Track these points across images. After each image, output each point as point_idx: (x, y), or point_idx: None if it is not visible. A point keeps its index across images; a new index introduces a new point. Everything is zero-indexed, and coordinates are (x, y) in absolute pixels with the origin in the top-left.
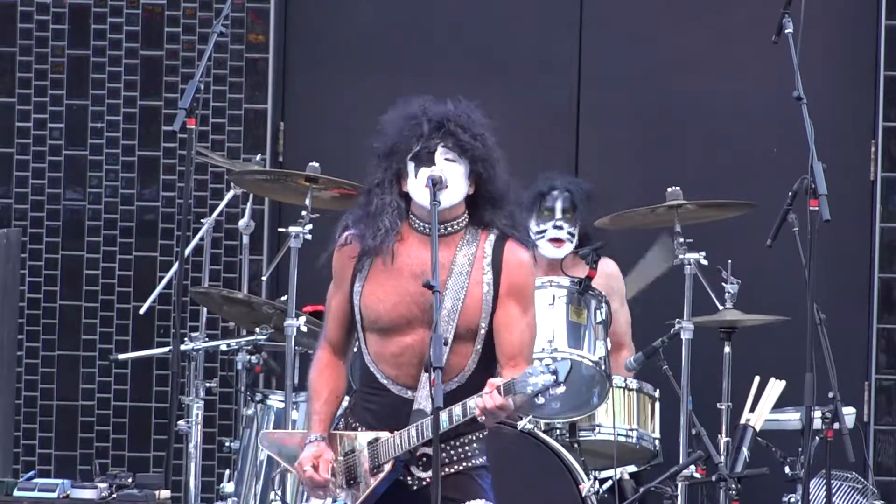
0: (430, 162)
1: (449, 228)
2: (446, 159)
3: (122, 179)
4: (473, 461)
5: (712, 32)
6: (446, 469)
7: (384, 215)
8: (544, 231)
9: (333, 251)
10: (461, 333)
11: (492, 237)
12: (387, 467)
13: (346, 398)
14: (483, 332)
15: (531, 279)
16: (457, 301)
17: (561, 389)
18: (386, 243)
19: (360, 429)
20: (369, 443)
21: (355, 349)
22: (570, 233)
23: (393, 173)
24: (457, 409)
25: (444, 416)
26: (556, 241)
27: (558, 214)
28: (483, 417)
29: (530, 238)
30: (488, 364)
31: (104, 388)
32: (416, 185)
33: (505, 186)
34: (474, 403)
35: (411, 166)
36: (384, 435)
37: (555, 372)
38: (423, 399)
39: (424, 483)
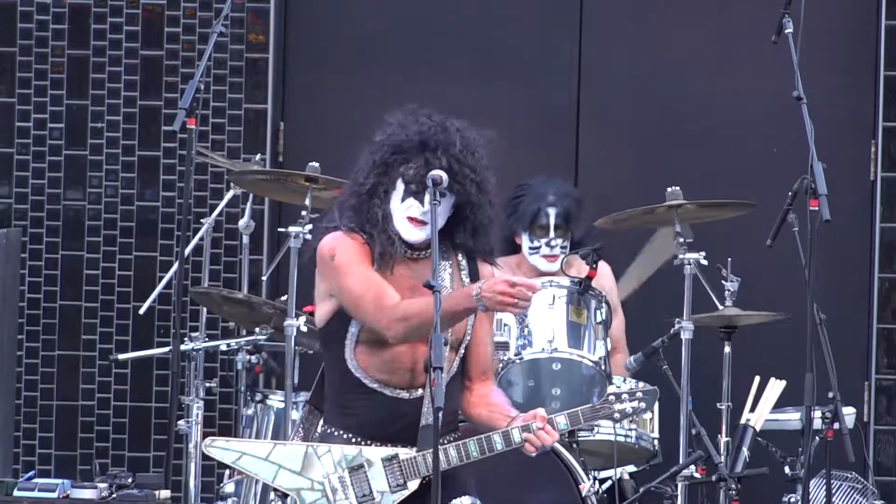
0: (420, 195)
1: (422, 255)
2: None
3: (122, 179)
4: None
5: (712, 32)
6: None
7: (389, 225)
8: (538, 248)
9: (329, 244)
10: (451, 343)
11: (461, 252)
12: (413, 485)
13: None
14: (468, 340)
15: None
16: None
17: (649, 415)
18: (398, 254)
19: (344, 436)
20: (385, 459)
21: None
22: (562, 247)
23: (383, 184)
24: (496, 438)
25: (474, 446)
26: (550, 257)
27: (552, 233)
28: (533, 452)
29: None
30: (461, 370)
31: (104, 388)
32: (399, 213)
33: (487, 220)
34: (520, 437)
35: (400, 186)
36: (403, 452)
37: (644, 399)
38: (430, 414)
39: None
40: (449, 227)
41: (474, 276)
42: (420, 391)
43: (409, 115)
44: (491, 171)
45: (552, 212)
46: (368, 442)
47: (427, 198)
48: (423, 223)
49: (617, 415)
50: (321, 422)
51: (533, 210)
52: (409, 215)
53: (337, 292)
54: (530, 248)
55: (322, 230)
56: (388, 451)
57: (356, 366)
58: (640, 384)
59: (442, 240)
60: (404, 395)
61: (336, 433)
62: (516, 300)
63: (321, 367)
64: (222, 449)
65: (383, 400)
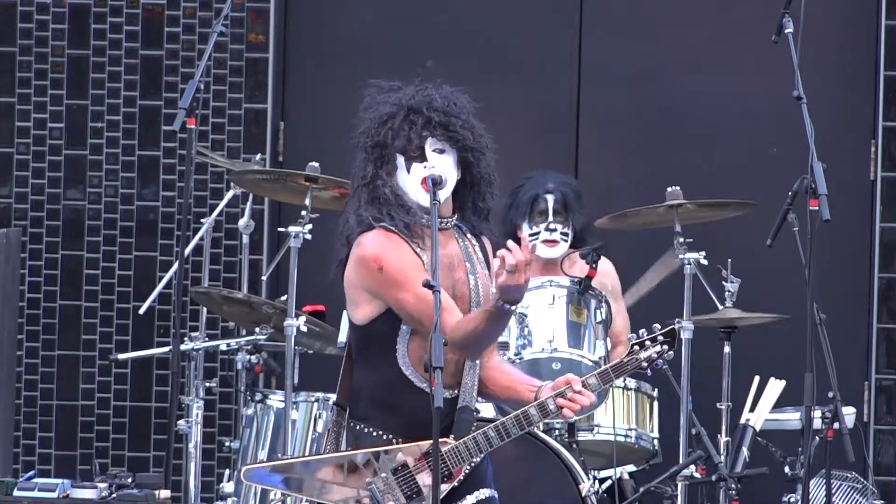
0: (422, 157)
1: (447, 224)
2: (435, 150)
3: (122, 179)
4: (480, 455)
5: (712, 32)
6: (466, 467)
7: (404, 197)
8: (537, 233)
9: (373, 251)
10: None
11: (471, 232)
12: (458, 473)
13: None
14: None
15: None
16: (486, 290)
17: (671, 354)
18: (421, 222)
19: (384, 437)
20: (427, 454)
21: (367, 361)
22: (563, 233)
23: (383, 166)
24: (532, 411)
25: (512, 423)
26: (550, 241)
27: (551, 217)
28: (572, 416)
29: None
30: None
31: (104, 388)
32: (411, 182)
33: (489, 171)
34: (554, 406)
35: (401, 161)
36: (441, 443)
37: (665, 341)
38: (466, 397)
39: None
40: (459, 197)
41: (486, 259)
42: (457, 391)
43: (380, 93)
44: (477, 118)
45: (550, 198)
46: (401, 441)
47: (429, 150)
48: (435, 182)
49: (644, 363)
50: (349, 419)
51: (531, 197)
52: (421, 178)
53: (391, 303)
54: (530, 235)
55: (349, 232)
56: (427, 444)
57: (408, 362)
58: (656, 326)
59: (461, 219)
60: (447, 394)
61: (372, 432)
62: (509, 273)
63: (343, 366)
64: (266, 475)
65: (427, 399)
